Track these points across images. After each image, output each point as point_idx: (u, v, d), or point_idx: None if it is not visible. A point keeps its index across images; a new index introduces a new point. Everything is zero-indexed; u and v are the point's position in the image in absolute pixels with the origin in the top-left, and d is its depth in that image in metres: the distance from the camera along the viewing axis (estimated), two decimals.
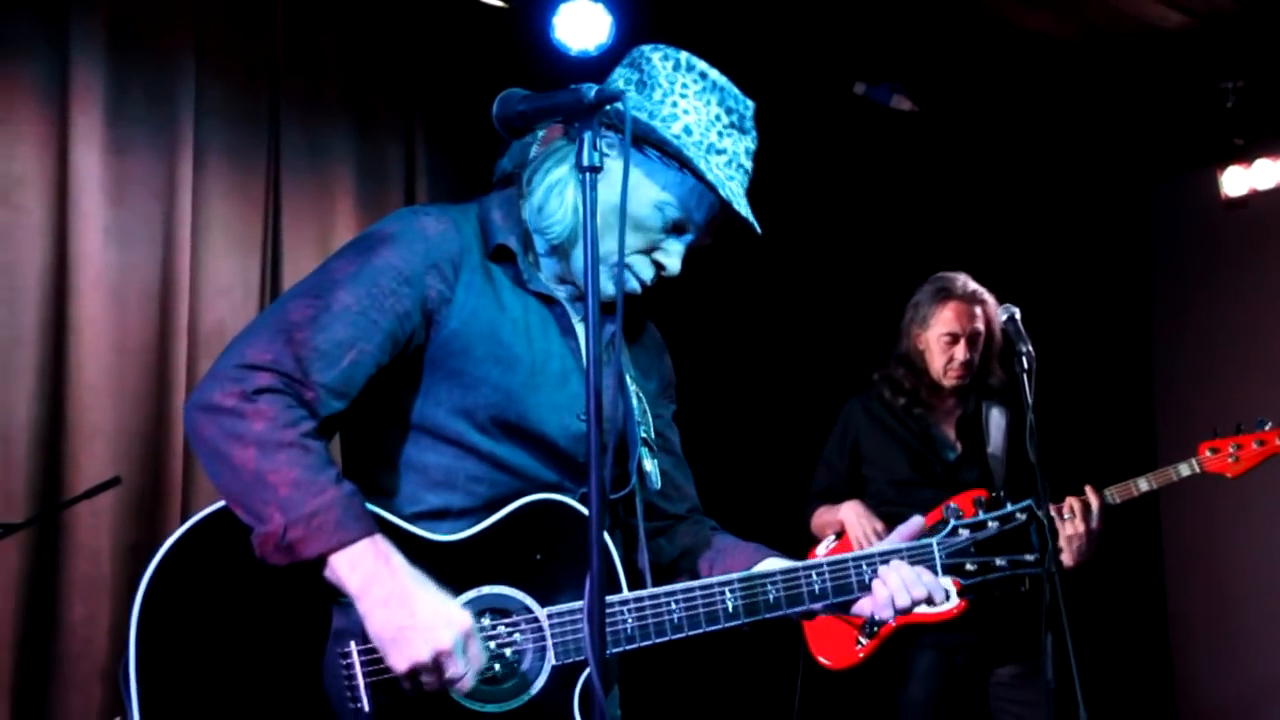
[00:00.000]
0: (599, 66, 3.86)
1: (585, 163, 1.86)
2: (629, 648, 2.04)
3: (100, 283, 4.75)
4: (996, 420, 4.42)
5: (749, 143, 2.21)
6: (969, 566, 2.25)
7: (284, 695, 1.92)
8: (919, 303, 4.37)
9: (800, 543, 4.48)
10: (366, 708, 1.92)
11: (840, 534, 4.31)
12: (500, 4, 5.30)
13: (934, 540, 2.25)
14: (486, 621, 1.98)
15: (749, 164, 2.22)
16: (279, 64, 5.15)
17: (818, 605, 2.17)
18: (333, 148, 5.29)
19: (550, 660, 1.99)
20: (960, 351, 4.26)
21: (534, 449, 2.08)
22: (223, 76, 5.06)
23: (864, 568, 2.19)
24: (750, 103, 2.22)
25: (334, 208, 5.27)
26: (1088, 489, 4.08)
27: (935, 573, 2.21)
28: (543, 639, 1.99)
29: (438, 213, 2.14)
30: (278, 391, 1.92)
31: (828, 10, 5.55)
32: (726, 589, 2.09)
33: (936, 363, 4.31)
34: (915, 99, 6.00)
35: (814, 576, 2.16)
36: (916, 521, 2.28)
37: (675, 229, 2.18)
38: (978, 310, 4.30)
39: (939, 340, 4.29)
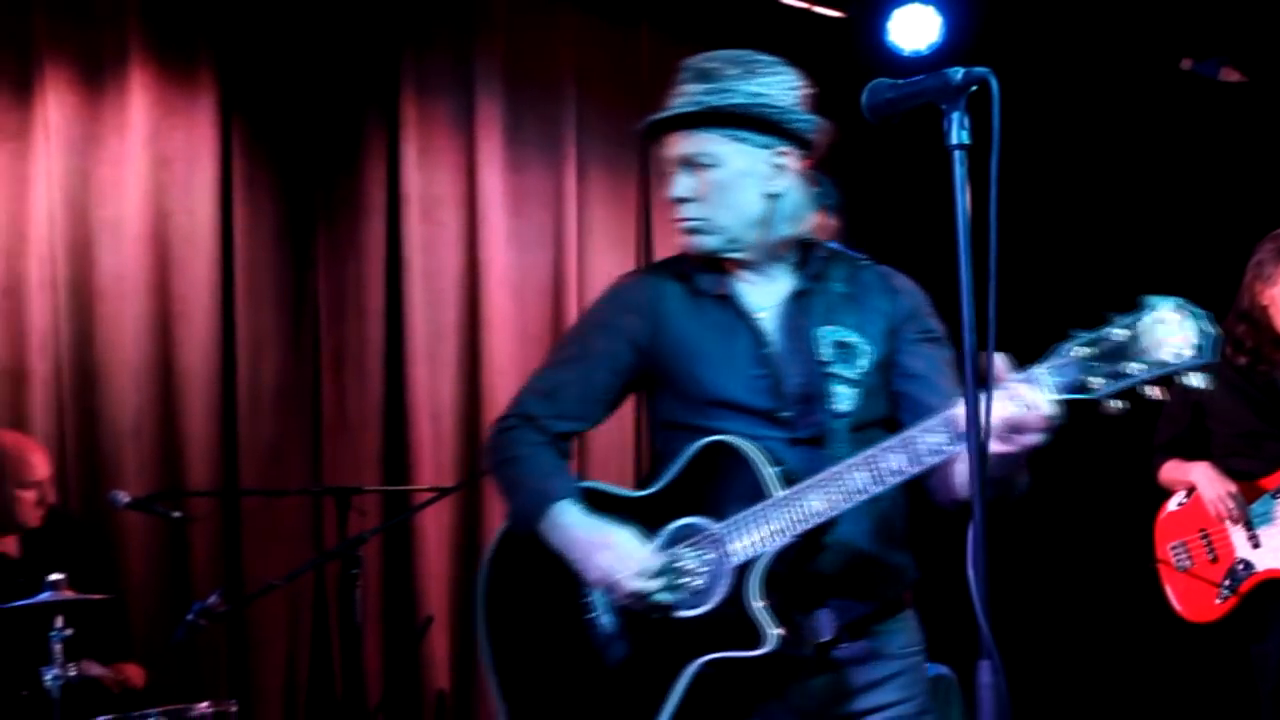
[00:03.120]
0: (931, 65, 3.64)
1: (954, 141, 1.73)
2: (784, 542, 2.02)
3: (504, 282, 4.88)
4: None
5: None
6: (1093, 381, 1.80)
7: (565, 633, 2.19)
8: (1261, 261, 3.92)
9: (1151, 495, 4.09)
10: (609, 626, 2.15)
11: (1191, 492, 3.93)
12: (838, 14, 5.14)
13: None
14: (679, 548, 2.09)
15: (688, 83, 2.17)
16: (646, 86, 5.12)
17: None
18: None
19: (732, 564, 2.06)
20: None
21: (733, 411, 2.14)
22: (599, 101, 5.09)
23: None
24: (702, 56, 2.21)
25: None
26: None
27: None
28: (723, 547, 2.06)
29: (634, 273, 2.43)
30: (514, 428, 2.23)
31: None
32: (890, 451, 1.99)
33: None
34: (1244, 70, 5.42)
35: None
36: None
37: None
38: None
39: None
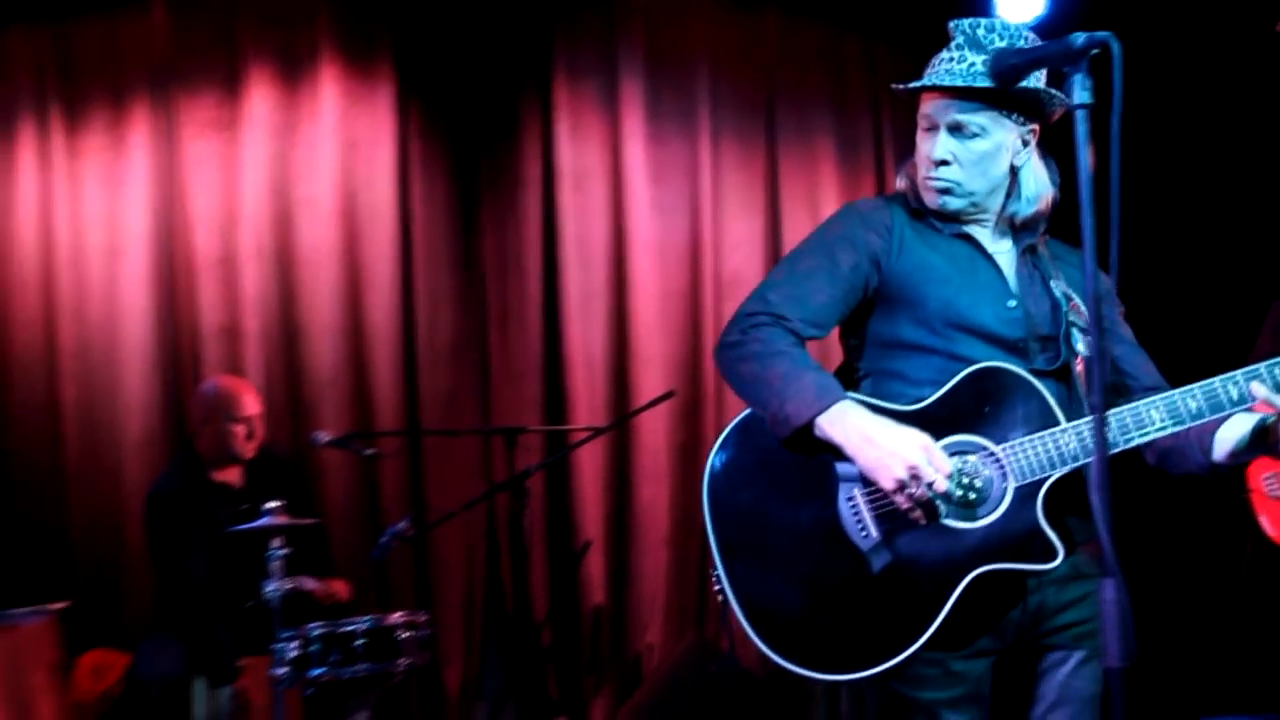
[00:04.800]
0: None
1: (1076, 101, 1.67)
2: (1073, 465, 1.94)
3: (648, 246, 4.83)
4: None
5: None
6: None
7: (815, 538, 2.00)
8: None
9: None
10: (875, 534, 1.97)
11: None
12: None
13: None
14: (956, 462, 1.96)
15: (964, 49, 2.04)
16: (772, 62, 5.04)
17: (1219, 414, 1.96)
18: (815, 125, 5.12)
19: (1012, 483, 1.95)
20: None
21: (978, 337, 2.04)
22: (730, 79, 4.97)
23: (1229, 386, 1.94)
24: (967, 21, 2.06)
25: (818, 173, 5.08)
26: None
27: None
28: (1002, 467, 1.95)
29: (868, 199, 2.21)
30: (766, 325, 2.04)
31: None
32: (1151, 407, 1.95)
33: None
34: None
35: (1199, 394, 1.95)
36: None
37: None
38: None
39: None
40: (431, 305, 4.71)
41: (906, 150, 2.15)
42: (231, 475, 4.01)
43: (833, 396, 1.95)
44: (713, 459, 2.07)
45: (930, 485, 1.89)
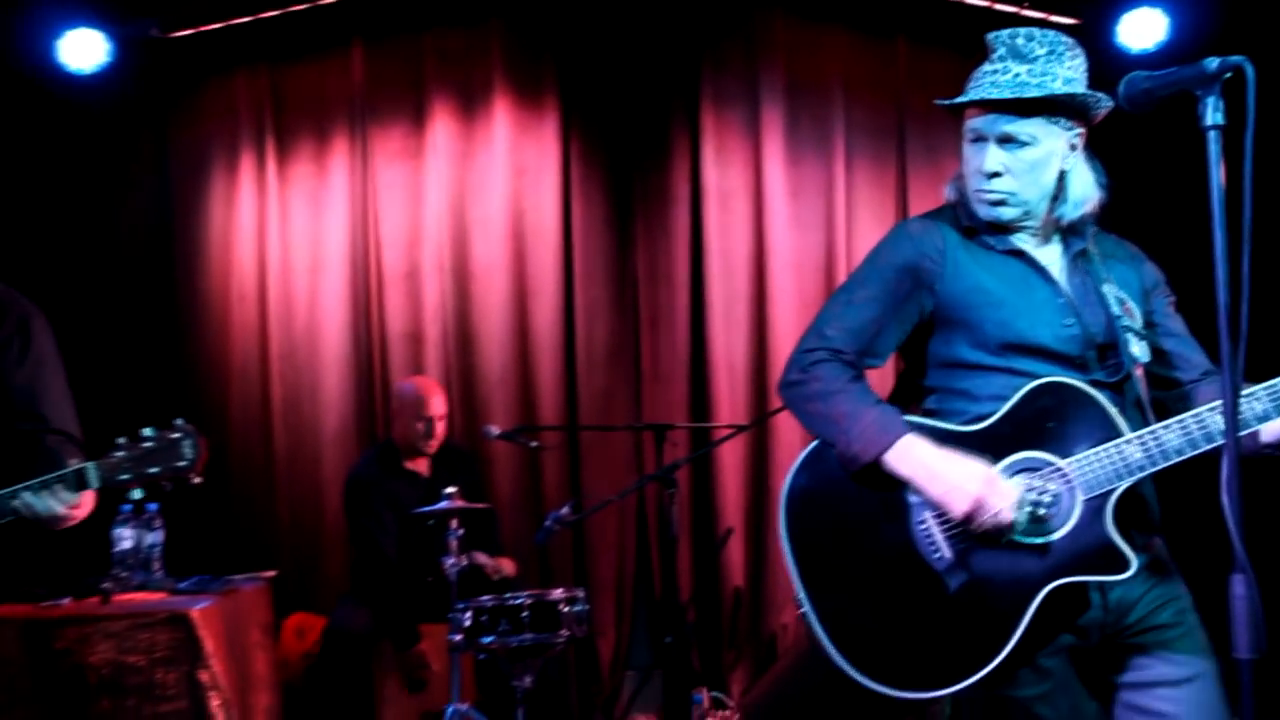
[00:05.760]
0: (1157, 63, 3.36)
1: (1210, 122, 1.60)
2: (1140, 475, 1.85)
3: (786, 259, 4.78)
4: None
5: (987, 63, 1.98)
6: None
7: (891, 560, 1.92)
8: None
9: None
10: (949, 555, 1.90)
11: None
12: (1072, 20, 4.80)
13: None
14: (1021, 479, 1.87)
15: (1005, 60, 1.95)
16: (902, 87, 4.95)
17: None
18: (942, 146, 5.00)
19: (1080, 496, 1.85)
20: None
21: (1037, 356, 1.93)
22: (863, 103, 4.90)
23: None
24: (1005, 32, 1.97)
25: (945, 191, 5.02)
26: None
27: None
28: (1069, 482, 1.86)
29: (919, 219, 2.07)
30: (825, 361, 1.95)
31: None
32: (1213, 414, 1.82)
33: None
34: None
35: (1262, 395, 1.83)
36: None
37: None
38: None
39: None
40: (590, 313, 4.78)
41: None
42: (420, 465, 4.12)
43: (895, 433, 1.87)
44: (788, 485, 1.98)
45: (998, 514, 1.83)
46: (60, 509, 2.09)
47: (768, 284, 4.76)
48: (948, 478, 1.85)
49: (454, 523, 3.52)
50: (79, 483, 2.09)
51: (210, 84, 4.79)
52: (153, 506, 3.52)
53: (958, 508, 1.84)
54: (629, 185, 4.83)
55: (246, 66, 4.77)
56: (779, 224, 4.80)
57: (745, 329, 4.78)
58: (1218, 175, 1.62)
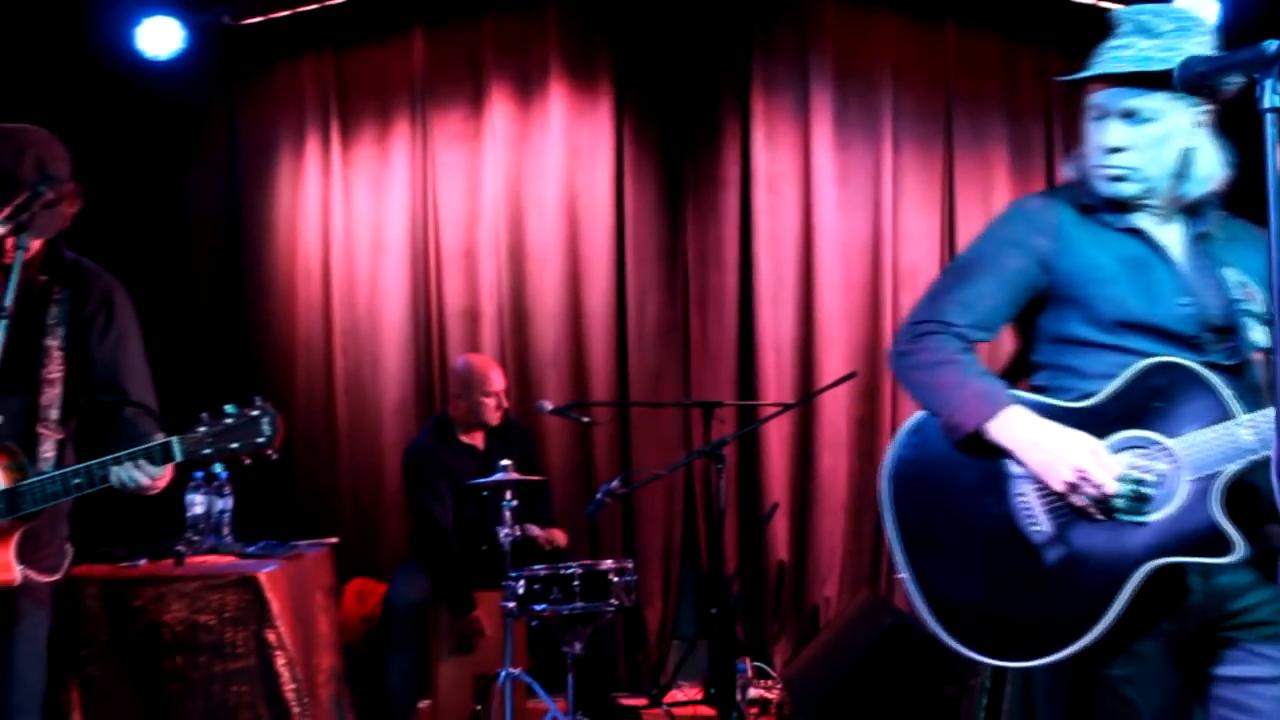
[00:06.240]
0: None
1: (1267, 105, 1.52)
2: (1250, 458, 1.76)
3: (834, 242, 4.78)
4: None
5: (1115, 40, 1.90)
6: None
7: (990, 531, 1.87)
8: None
9: None
10: (1048, 528, 1.84)
11: None
12: (1121, 6, 4.69)
13: None
14: (1126, 456, 1.81)
15: (1130, 36, 1.88)
16: (950, 73, 4.90)
17: None
18: (990, 131, 4.95)
19: (1187, 477, 1.78)
20: None
21: (1151, 335, 1.86)
22: (911, 88, 4.87)
23: None
24: (1132, 8, 1.89)
25: (992, 176, 4.91)
26: None
27: None
28: (1176, 462, 1.79)
29: (1036, 195, 2.03)
30: (934, 333, 1.93)
31: None
32: None
33: None
34: None
35: None
36: None
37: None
38: None
39: None
40: (641, 293, 4.80)
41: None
42: (476, 438, 4.17)
43: (999, 403, 1.84)
44: (891, 456, 1.96)
45: (1099, 487, 1.78)
46: (145, 480, 2.16)
47: (815, 266, 4.76)
48: (1050, 448, 1.80)
49: (508, 494, 3.55)
50: (164, 456, 2.16)
51: (278, 69, 4.87)
52: (223, 474, 3.61)
53: (1058, 478, 1.80)
54: (680, 168, 4.85)
55: (313, 51, 4.84)
56: (827, 208, 4.78)
57: (792, 310, 4.78)
58: (1275, 158, 1.58)
